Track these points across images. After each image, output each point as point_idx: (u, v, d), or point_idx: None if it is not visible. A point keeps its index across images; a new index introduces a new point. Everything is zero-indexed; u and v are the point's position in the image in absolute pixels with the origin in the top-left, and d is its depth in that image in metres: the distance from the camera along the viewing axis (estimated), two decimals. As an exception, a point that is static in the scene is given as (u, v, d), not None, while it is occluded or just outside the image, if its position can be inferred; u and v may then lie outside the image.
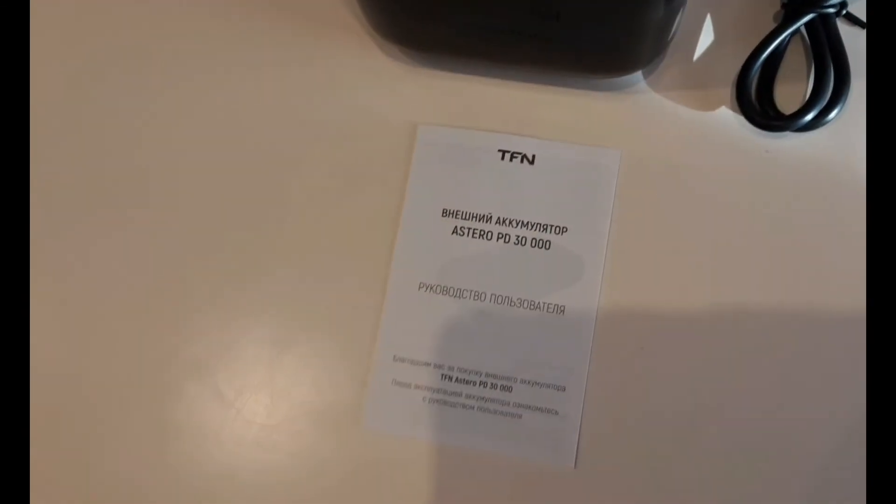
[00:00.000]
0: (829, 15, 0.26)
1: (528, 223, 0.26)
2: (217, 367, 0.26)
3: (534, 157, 0.27)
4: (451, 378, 0.26)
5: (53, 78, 0.29)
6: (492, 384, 0.25)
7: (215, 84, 0.28)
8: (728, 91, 0.26)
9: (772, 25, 0.26)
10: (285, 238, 0.27)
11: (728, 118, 0.26)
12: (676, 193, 0.26)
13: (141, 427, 0.26)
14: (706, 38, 0.27)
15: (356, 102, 0.28)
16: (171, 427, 0.26)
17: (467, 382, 0.26)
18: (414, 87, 0.28)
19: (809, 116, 0.25)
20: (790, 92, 0.26)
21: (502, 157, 0.27)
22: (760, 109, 0.26)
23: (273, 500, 0.25)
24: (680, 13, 0.24)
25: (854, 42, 0.26)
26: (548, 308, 0.26)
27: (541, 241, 0.26)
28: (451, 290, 0.26)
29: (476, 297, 0.26)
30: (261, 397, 0.26)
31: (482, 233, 0.26)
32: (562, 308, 0.26)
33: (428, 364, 0.26)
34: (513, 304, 0.26)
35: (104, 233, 0.27)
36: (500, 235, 0.26)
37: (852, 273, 0.25)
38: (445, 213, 0.27)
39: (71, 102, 0.28)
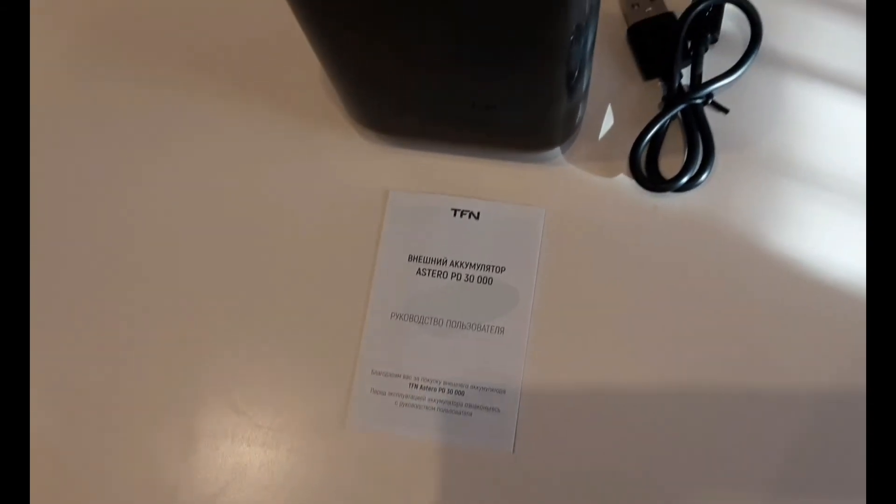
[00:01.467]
0: (697, 105, 0.34)
1: (474, 265, 0.34)
2: (232, 385, 0.33)
3: (479, 213, 0.34)
4: (416, 386, 0.33)
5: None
6: (448, 390, 0.33)
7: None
8: (624, 162, 0.34)
9: (656, 112, 0.34)
10: (283, 280, 0.34)
11: (625, 182, 0.34)
12: (587, 241, 0.34)
13: (170, 433, 0.33)
14: (607, 122, 0.35)
15: (340, 174, 0.35)
16: (196, 432, 0.33)
17: (429, 389, 0.33)
18: (386, 162, 0.35)
19: (684, 180, 0.33)
20: (671, 162, 0.34)
21: (454, 214, 0.34)
22: (648, 176, 0.34)
23: (277, 486, 0.32)
24: (581, 106, 0.33)
25: (719, 123, 0.34)
26: (490, 329, 0.33)
27: (485, 278, 0.34)
28: (416, 317, 0.33)
29: (435, 323, 0.33)
30: (266, 406, 0.33)
31: (440, 273, 0.34)
32: (501, 329, 0.33)
33: (398, 376, 0.33)
34: (464, 327, 0.33)
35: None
36: (454, 275, 0.34)
37: (726, 302, 0.33)
38: (411, 258, 0.34)
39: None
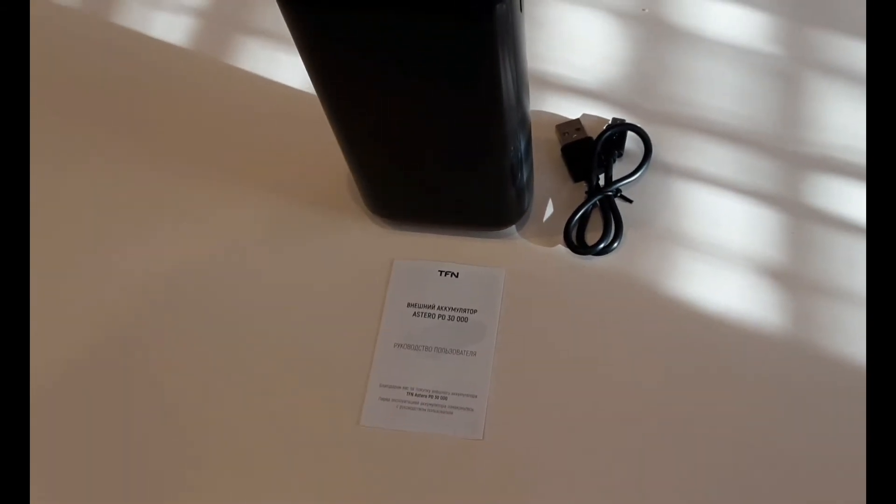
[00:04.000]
0: (610, 196, 0.48)
1: (455, 308, 0.47)
2: (277, 396, 0.45)
3: (458, 273, 0.48)
4: (412, 394, 0.45)
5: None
6: (435, 396, 0.45)
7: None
8: (560, 236, 0.48)
9: (582, 201, 0.48)
10: (316, 322, 0.47)
11: (561, 250, 0.48)
12: (536, 291, 0.47)
13: (223, 439, 0.45)
14: (549, 210, 0.49)
15: (358, 249, 0.49)
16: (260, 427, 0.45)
17: (421, 396, 0.45)
18: (392, 240, 0.49)
19: (601, 246, 0.47)
20: (593, 235, 0.48)
21: (440, 274, 0.48)
22: (577, 244, 0.47)
23: (316, 462, 0.43)
24: (528, 197, 0.47)
25: (626, 209, 0.48)
26: (466, 353, 0.45)
27: (462, 318, 0.47)
28: (413, 345, 0.46)
29: (426, 349, 0.46)
30: (302, 412, 0.45)
31: (430, 314, 0.47)
32: (474, 352, 0.45)
33: (399, 387, 0.45)
34: (447, 351, 0.46)
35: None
36: (440, 315, 0.47)
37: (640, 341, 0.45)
38: (409, 304, 0.47)
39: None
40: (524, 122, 0.42)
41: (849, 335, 0.44)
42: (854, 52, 0.52)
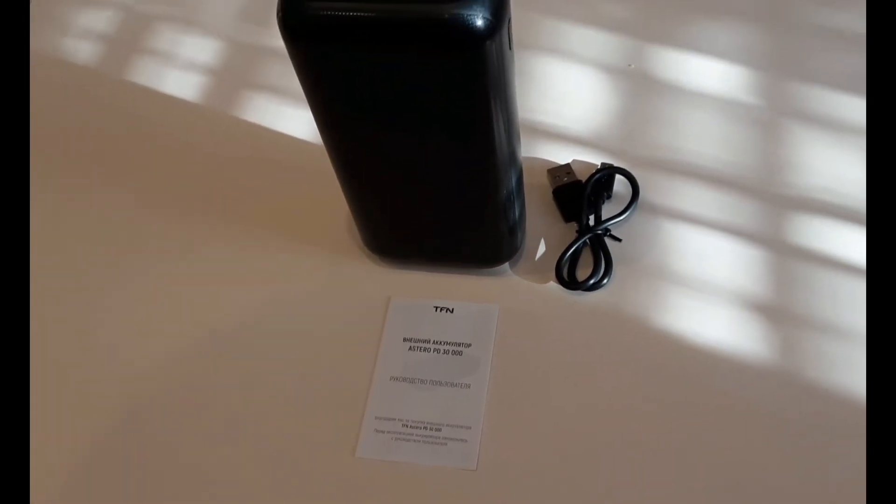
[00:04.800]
0: (600, 235, 0.50)
1: (449, 342, 0.48)
2: (275, 428, 0.46)
3: (453, 309, 0.49)
4: (407, 426, 0.45)
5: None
6: (430, 427, 0.45)
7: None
8: (552, 273, 0.49)
9: (573, 238, 0.50)
10: (316, 356, 0.48)
11: (553, 286, 0.49)
12: (528, 326, 0.48)
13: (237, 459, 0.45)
14: (541, 249, 0.51)
15: (358, 287, 0.51)
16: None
17: (416, 428, 0.45)
18: (389, 279, 0.51)
19: (592, 282, 0.48)
20: (584, 272, 0.49)
21: (436, 310, 0.49)
22: (569, 281, 0.49)
23: (312, 493, 0.44)
24: (520, 236, 0.49)
25: (616, 248, 0.50)
26: (461, 385, 0.46)
27: (457, 351, 0.48)
28: (408, 378, 0.47)
29: (421, 382, 0.47)
30: (298, 444, 0.45)
31: (425, 348, 0.48)
32: (468, 385, 0.46)
33: (394, 419, 0.46)
34: (442, 384, 0.47)
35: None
36: (435, 349, 0.48)
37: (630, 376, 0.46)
38: (405, 339, 0.48)
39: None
40: (515, 160, 0.44)
41: (833, 365, 0.45)
42: (828, 101, 0.55)
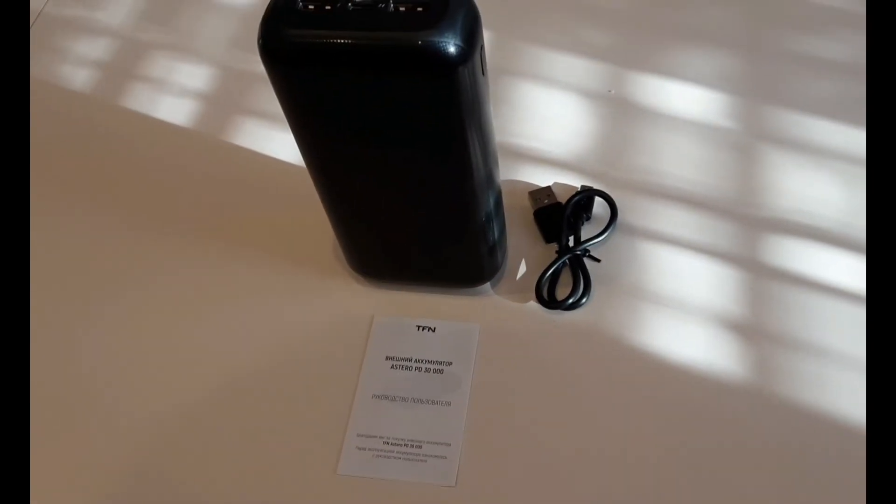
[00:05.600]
0: (579, 255, 0.51)
1: (431, 360, 0.49)
2: (257, 445, 0.47)
3: (435, 328, 0.50)
4: (388, 443, 0.46)
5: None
6: (410, 444, 0.46)
7: (244, 298, 0.52)
8: (532, 293, 0.50)
9: (553, 257, 0.51)
10: (298, 373, 0.49)
11: (533, 305, 0.50)
12: (508, 344, 0.49)
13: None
14: (522, 269, 0.52)
15: (341, 306, 0.51)
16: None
17: (397, 445, 0.46)
18: (372, 298, 0.52)
19: (571, 301, 0.49)
20: (563, 291, 0.50)
21: (418, 329, 0.50)
22: (548, 300, 0.50)
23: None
24: (501, 256, 0.50)
25: (595, 268, 0.51)
26: (441, 403, 0.47)
27: (438, 370, 0.49)
28: (390, 396, 0.48)
29: (402, 400, 0.48)
30: (290, 459, 0.46)
31: (407, 367, 0.49)
32: (449, 402, 0.47)
33: (375, 436, 0.46)
34: (423, 402, 0.47)
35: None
36: (416, 367, 0.49)
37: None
38: (387, 358, 0.49)
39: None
40: (493, 182, 0.45)
41: (805, 382, 0.46)
42: (804, 125, 0.56)
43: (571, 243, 0.52)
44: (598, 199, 0.53)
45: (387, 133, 0.39)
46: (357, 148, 0.41)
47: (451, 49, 0.35)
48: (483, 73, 0.38)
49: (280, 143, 0.60)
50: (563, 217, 0.52)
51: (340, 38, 0.35)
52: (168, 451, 0.47)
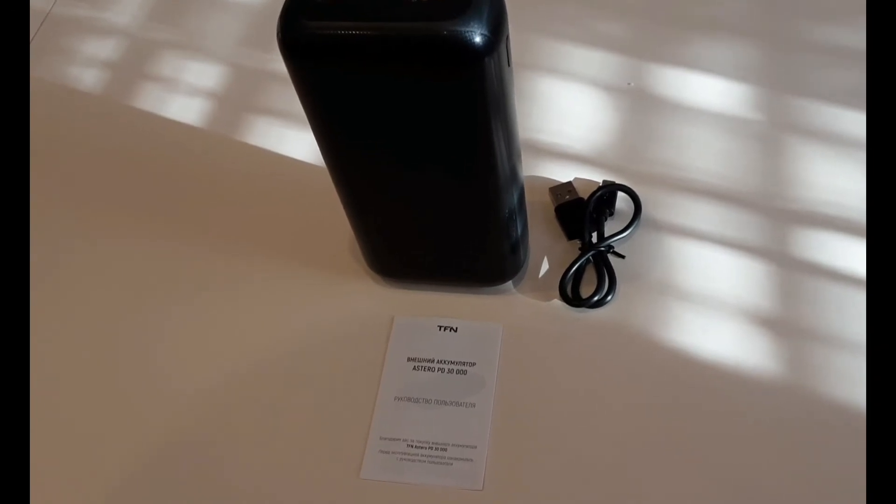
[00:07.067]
0: (603, 252, 0.50)
1: (454, 361, 0.48)
2: (278, 449, 0.46)
3: (457, 328, 0.49)
4: (412, 446, 0.45)
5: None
6: (435, 447, 0.45)
7: (267, 302, 0.51)
8: (556, 290, 0.49)
9: (576, 256, 0.50)
10: (321, 376, 0.48)
11: (557, 304, 0.49)
12: (532, 344, 0.48)
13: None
14: (544, 267, 0.51)
15: (361, 307, 0.50)
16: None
17: (421, 448, 0.45)
18: (393, 298, 0.51)
19: (596, 299, 0.48)
20: (588, 289, 0.49)
21: (440, 329, 0.49)
22: (573, 297, 0.49)
23: (309, 519, 0.43)
24: (524, 253, 0.49)
25: (619, 264, 0.50)
26: (465, 405, 0.46)
27: (461, 370, 0.47)
28: (413, 398, 0.47)
29: (426, 402, 0.46)
30: (312, 463, 0.45)
31: (429, 368, 0.48)
32: (473, 404, 0.46)
33: (398, 440, 0.45)
34: (446, 403, 0.46)
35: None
36: (439, 368, 0.48)
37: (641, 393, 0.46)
38: (409, 359, 0.48)
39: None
40: (516, 177, 0.44)
41: (840, 377, 0.44)
42: (827, 115, 0.55)
43: (595, 239, 0.51)
44: (620, 194, 0.52)
45: (410, 128, 0.38)
46: (379, 144, 0.40)
47: (478, 39, 0.34)
48: (508, 65, 0.37)
49: (293, 142, 0.59)
50: (585, 213, 0.51)
51: (362, 30, 0.34)
52: (188, 455, 0.46)
